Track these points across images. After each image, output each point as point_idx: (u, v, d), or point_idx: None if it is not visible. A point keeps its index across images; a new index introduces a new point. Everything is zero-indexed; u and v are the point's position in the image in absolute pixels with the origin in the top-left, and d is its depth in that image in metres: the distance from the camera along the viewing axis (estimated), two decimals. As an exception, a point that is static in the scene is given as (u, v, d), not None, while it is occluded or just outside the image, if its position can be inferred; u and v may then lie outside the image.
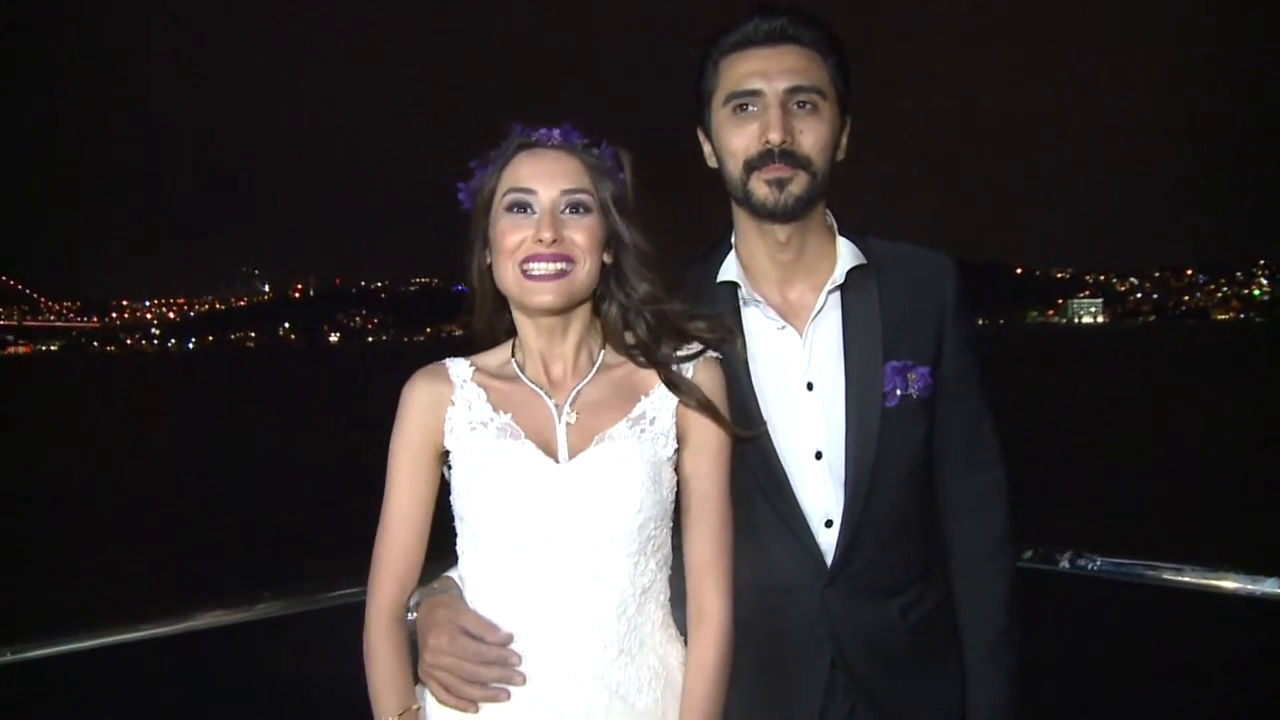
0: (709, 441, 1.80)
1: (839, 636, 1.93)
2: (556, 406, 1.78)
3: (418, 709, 1.74)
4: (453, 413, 1.77)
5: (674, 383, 1.79)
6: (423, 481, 1.79)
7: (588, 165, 1.79)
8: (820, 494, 1.95)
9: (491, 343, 1.89)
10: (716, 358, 1.85)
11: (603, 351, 1.84)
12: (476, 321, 1.89)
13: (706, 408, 1.79)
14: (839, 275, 1.99)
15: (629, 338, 1.84)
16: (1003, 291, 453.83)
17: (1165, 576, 2.34)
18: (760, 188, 1.93)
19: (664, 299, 1.83)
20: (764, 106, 1.91)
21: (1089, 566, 2.41)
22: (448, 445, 1.77)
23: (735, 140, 1.95)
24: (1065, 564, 2.43)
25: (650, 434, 1.76)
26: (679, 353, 1.82)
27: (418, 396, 1.79)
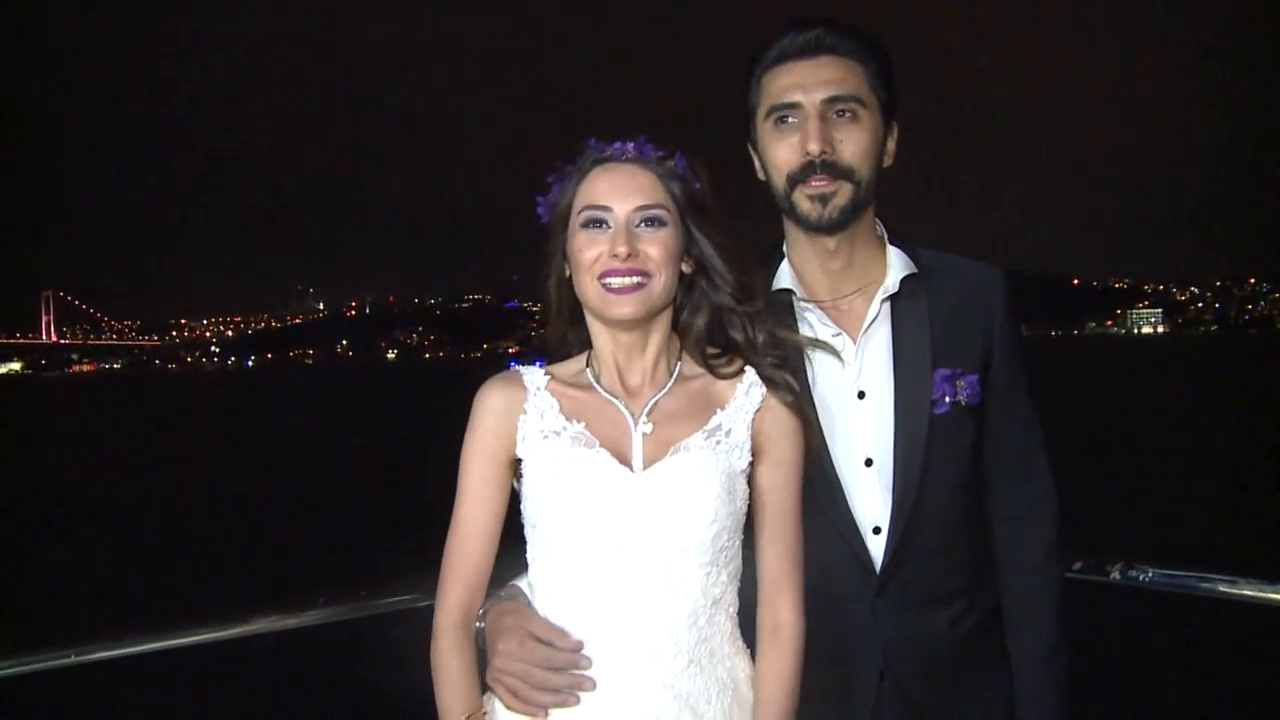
0: (787, 454, 1.81)
1: (888, 648, 1.93)
2: (633, 415, 1.78)
3: (484, 714, 1.73)
4: (525, 421, 1.77)
5: (772, 379, 1.82)
6: (494, 487, 1.79)
7: (662, 178, 1.79)
8: (870, 501, 1.95)
9: (564, 356, 1.90)
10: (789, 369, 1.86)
11: (679, 364, 1.85)
12: (551, 332, 1.90)
13: (797, 408, 1.81)
14: (892, 284, 2.00)
15: (711, 348, 1.86)
16: (1060, 303, 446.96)
17: (1220, 589, 2.30)
18: (804, 202, 1.95)
19: (748, 302, 1.84)
20: (803, 118, 1.93)
21: (1141, 578, 2.38)
22: (519, 454, 1.77)
23: (778, 153, 1.97)
24: (1116, 575, 2.40)
25: (726, 446, 1.76)
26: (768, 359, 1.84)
27: (491, 402, 1.80)
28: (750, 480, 1.79)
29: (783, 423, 1.81)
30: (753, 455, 1.78)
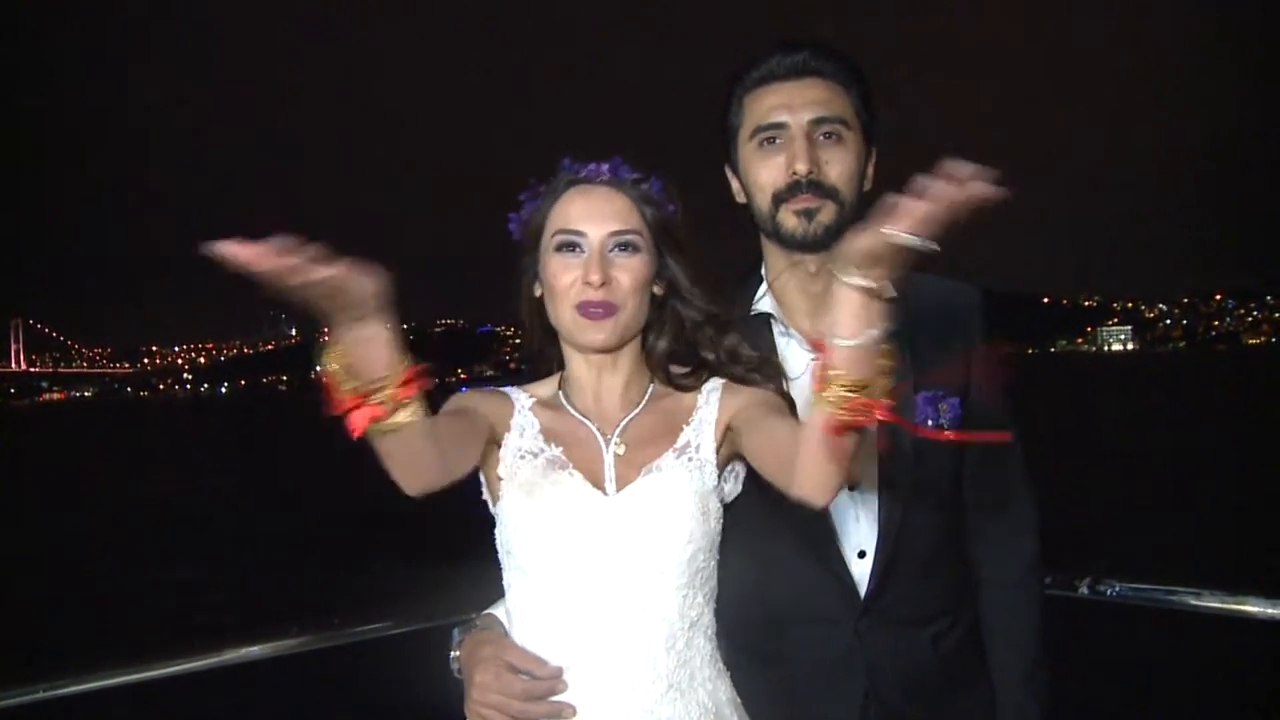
0: (761, 403, 1.77)
1: (872, 668, 1.92)
2: (604, 437, 1.77)
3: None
4: (509, 438, 1.75)
5: (746, 380, 1.81)
6: (467, 424, 1.67)
7: (636, 202, 1.78)
8: (853, 525, 1.94)
9: (545, 369, 1.89)
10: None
11: (652, 385, 1.84)
12: (525, 351, 1.90)
13: (764, 367, 1.83)
14: None
15: (675, 369, 1.85)
16: (1030, 321, 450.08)
17: (1186, 601, 2.32)
18: (789, 219, 1.93)
19: (718, 323, 1.84)
20: (789, 139, 1.92)
21: (1108, 592, 2.39)
22: (500, 472, 1.74)
23: (763, 174, 1.95)
24: (1084, 590, 2.41)
25: (697, 462, 1.74)
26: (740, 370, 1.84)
27: (484, 397, 1.78)
28: (749, 454, 1.75)
29: (743, 393, 1.80)
30: (732, 444, 1.77)
